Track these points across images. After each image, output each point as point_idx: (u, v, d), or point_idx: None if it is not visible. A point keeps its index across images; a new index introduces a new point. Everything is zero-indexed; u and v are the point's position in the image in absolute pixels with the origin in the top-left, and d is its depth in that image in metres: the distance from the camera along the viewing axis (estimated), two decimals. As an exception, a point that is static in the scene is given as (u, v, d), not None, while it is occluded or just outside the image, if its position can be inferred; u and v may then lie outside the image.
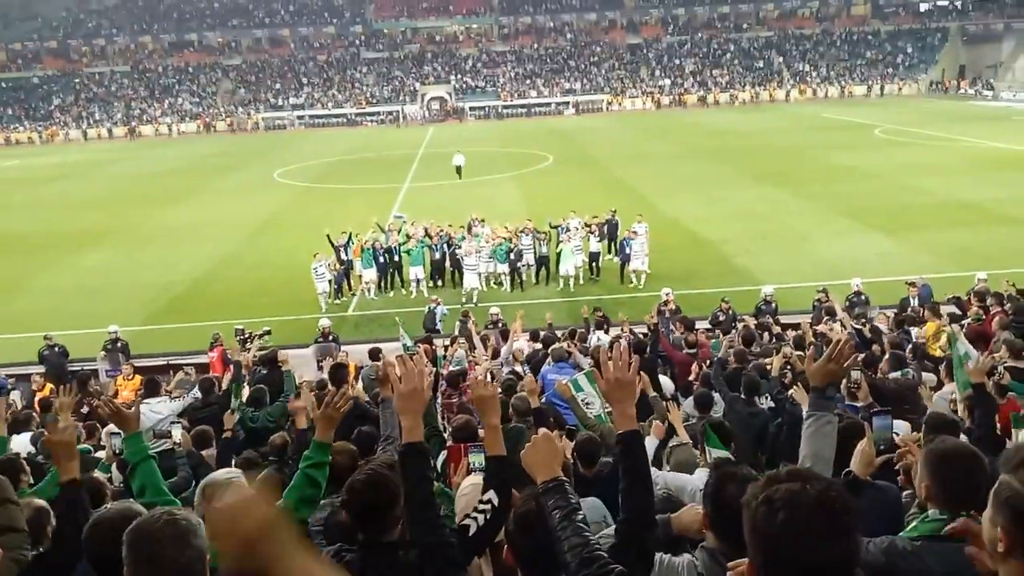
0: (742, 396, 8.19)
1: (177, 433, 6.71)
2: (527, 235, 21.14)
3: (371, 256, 20.80)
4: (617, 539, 2.91)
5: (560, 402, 8.14)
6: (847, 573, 1.89)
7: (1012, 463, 2.11)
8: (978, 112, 57.18)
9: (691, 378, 10.41)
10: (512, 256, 20.90)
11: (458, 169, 38.30)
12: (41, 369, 14.88)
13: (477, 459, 3.91)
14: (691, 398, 8.38)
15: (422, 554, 3.02)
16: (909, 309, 14.24)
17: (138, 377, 12.91)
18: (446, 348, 13.92)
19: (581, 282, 21.03)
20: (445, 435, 6.01)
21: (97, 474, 6.41)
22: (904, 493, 4.11)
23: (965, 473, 2.89)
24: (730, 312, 15.64)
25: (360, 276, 21.11)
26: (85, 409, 10.56)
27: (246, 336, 14.59)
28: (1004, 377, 6.94)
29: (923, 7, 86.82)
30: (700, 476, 4.80)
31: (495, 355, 13.00)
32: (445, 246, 21.15)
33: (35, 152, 64.22)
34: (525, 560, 2.91)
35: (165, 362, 16.24)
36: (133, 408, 4.22)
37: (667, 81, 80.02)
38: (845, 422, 4.09)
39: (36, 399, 12.62)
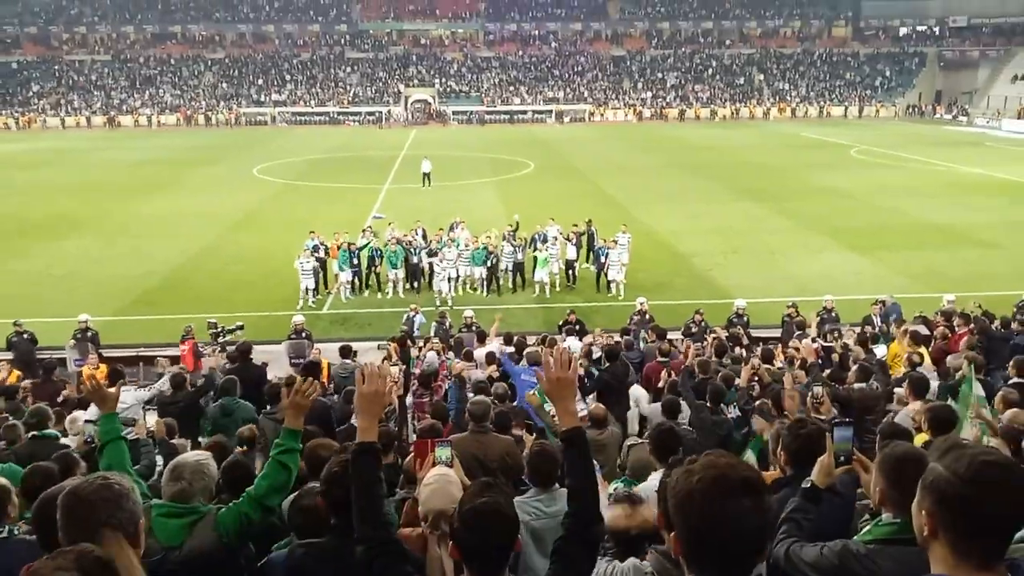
0: (707, 404, 8.31)
1: (151, 420, 6.70)
2: (507, 242, 21.21)
3: (346, 257, 20.71)
4: (565, 533, 2.98)
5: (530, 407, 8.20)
6: (760, 542, 2.05)
7: (939, 451, 2.19)
8: (953, 137, 58.13)
9: (660, 384, 10.52)
10: (490, 261, 20.94)
11: (425, 176, 37.52)
12: (8, 356, 14.71)
13: (444, 453, 3.95)
14: (658, 405, 8.48)
15: (369, 550, 3.05)
16: (875, 327, 14.47)
17: (103, 367, 12.80)
18: (419, 349, 13.94)
19: (557, 289, 21.12)
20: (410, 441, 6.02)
21: None
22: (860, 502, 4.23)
23: (918, 476, 2.97)
24: (703, 324, 15.80)
25: (336, 276, 21.06)
26: (62, 398, 10.48)
27: (219, 330, 14.50)
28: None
29: (902, 31, 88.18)
30: (653, 483, 4.85)
31: (468, 358, 13.03)
32: (423, 253, 21.07)
33: (10, 138, 63.30)
34: (471, 558, 2.70)
35: (135, 353, 16.12)
36: (114, 388, 4.25)
37: (649, 94, 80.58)
38: (808, 429, 4.19)
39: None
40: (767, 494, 2.08)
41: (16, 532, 4.01)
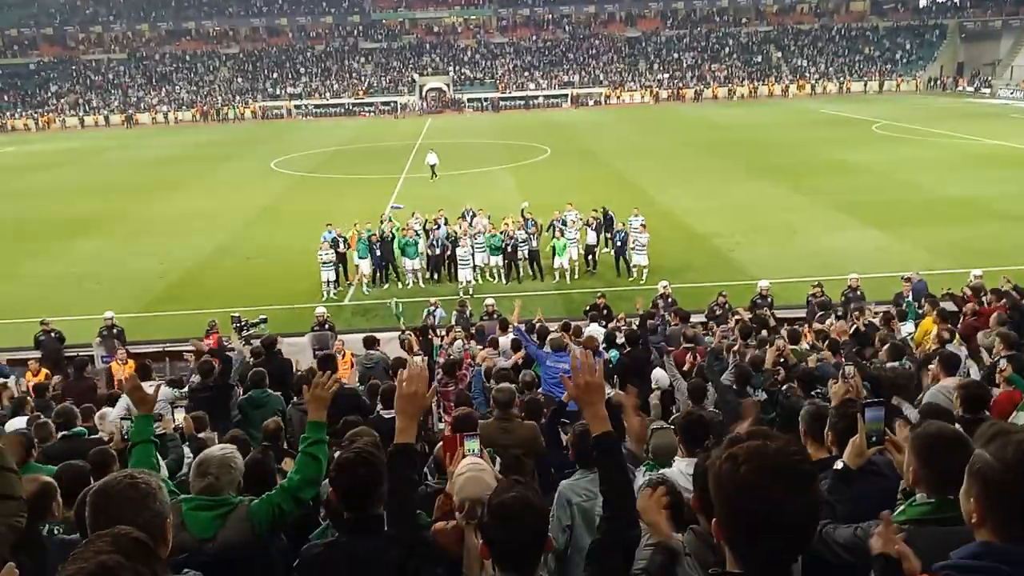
0: (733, 387, 8.26)
1: (180, 416, 6.75)
2: (522, 230, 21.14)
3: (365, 247, 20.73)
4: (602, 536, 2.92)
5: (560, 391, 8.19)
6: (808, 528, 1.96)
7: (985, 437, 2.17)
8: (976, 109, 57.24)
9: (686, 368, 10.46)
10: (508, 249, 20.90)
11: (432, 168, 36.56)
12: (37, 354, 14.89)
13: (473, 445, 3.95)
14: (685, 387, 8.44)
15: (402, 551, 3.04)
16: (904, 305, 14.30)
17: (132, 362, 12.94)
18: (442, 338, 13.97)
19: (576, 276, 21.04)
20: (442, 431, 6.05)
21: None
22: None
23: (951, 456, 2.92)
24: (726, 306, 15.69)
25: (357, 267, 21.10)
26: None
27: (242, 324, 14.57)
28: (1007, 371, 7.00)
29: (922, 3, 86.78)
30: (678, 468, 4.87)
31: (494, 345, 13.05)
32: (446, 241, 20.98)
33: (31, 139, 64.00)
34: (502, 555, 2.66)
35: (161, 348, 16.26)
36: (152, 389, 4.29)
37: (665, 75, 79.94)
38: (856, 409, 4.10)
39: (31, 384, 12.68)
40: (817, 479, 2.01)
41: (56, 532, 4.07)
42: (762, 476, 1.89)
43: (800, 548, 1.98)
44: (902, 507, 3.18)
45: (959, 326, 11.45)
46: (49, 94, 77.60)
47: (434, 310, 17.23)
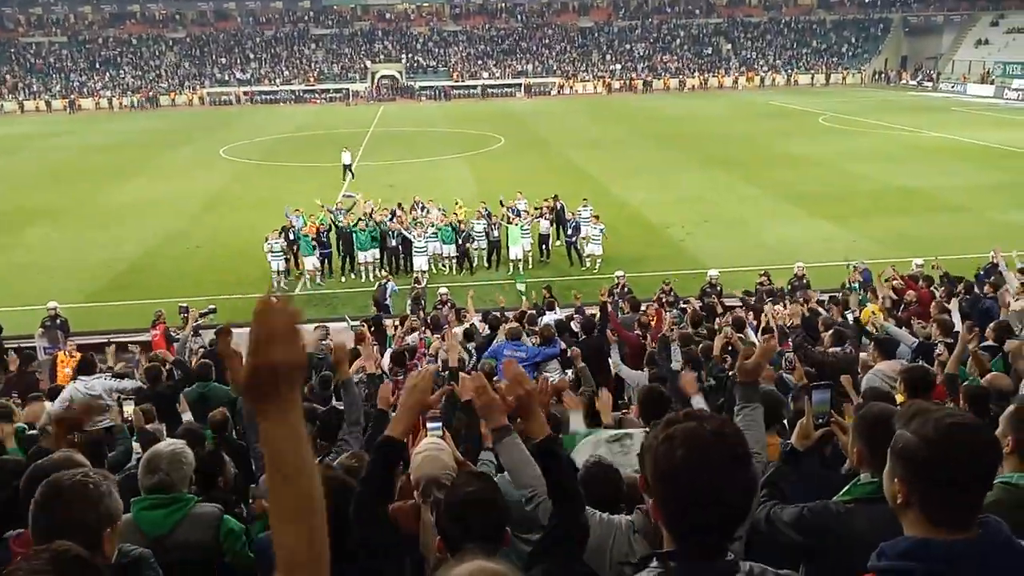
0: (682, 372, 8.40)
1: (128, 409, 6.62)
2: (479, 220, 21.13)
3: (309, 244, 20.17)
4: (552, 532, 2.82)
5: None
6: (743, 508, 2.03)
7: (905, 417, 2.20)
8: (919, 103, 58.69)
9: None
10: (460, 239, 20.84)
11: (346, 168, 33.74)
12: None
13: (436, 430, 3.96)
14: (638, 372, 8.54)
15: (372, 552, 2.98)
16: (851, 291, 14.66)
17: (79, 354, 12.62)
18: (395, 327, 13.91)
19: (531, 265, 21.11)
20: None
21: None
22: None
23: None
24: (671, 293, 15.92)
25: (301, 262, 20.57)
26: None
27: (189, 314, 14.34)
28: (943, 355, 7.21)
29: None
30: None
31: (444, 337, 13.01)
32: (402, 233, 20.64)
33: (-33, 124, 61.76)
34: (454, 550, 2.67)
35: (106, 340, 15.89)
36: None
37: (618, 66, 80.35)
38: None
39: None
40: (752, 463, 2.06)
41: None
42: (697, 457, 1.94)
43: (734, 527, 2.02)
44: (847, 487, 3.28)
45: (901, 313, 11.79)
46: (-14, 77, 74.93)
47: (386, 283, 17.25)
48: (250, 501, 5.27)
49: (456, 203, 22.78)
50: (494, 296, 16.94)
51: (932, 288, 13.32)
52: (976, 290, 12.95)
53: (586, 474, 3.89)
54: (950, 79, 70.07)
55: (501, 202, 22.05)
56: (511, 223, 20.89)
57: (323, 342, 12.12)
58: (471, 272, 21.02)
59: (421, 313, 15.42)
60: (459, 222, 21.12)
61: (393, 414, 3.32)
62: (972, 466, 2.06)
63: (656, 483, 2.02)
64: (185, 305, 14.87)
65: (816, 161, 34.21)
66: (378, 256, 20.76)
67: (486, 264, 21.42)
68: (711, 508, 1.94)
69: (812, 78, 78.12)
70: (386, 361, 10.31)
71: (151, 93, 73.03)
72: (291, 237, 20.62)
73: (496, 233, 21.15)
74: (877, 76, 78.64)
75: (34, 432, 6.75)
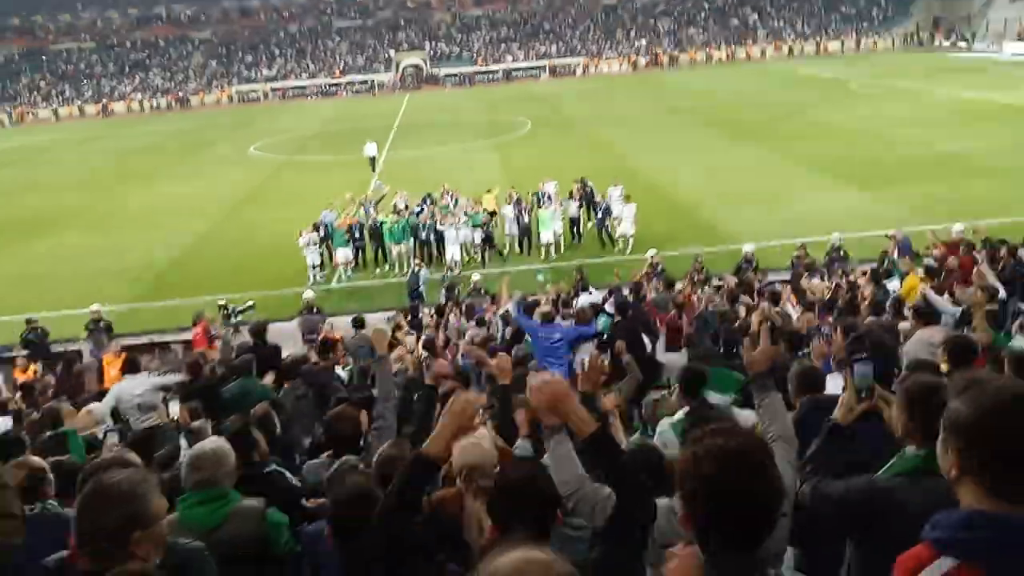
0: (721, 350, 8.36)
1: (175, 408, 6.74)
2: (510, 205, 21.07)
3: (343, 237, 20.30)
4: (615, 523, 2.93)
5: (552, 361, 8.24)
6: (770, 519, 2.10)
7: (957, 389, 2.16)
8: (953, 64, 57.25)
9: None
10: (486, 228, 20.75)
11: (371, 160, 33.52)
12: (23, 352, 14.79)
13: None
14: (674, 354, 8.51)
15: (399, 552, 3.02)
16: (886, 262, 14.41)
17: (125, 355, 12.88)
18: (431, 317, 14.00)
19: (562, 250, 21.01)
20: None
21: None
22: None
23: (938, 407, 2.97)
24: (704, 271, 15.79)
25: (333, 256, 20.67)
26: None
27: (229, 311, 14.56)
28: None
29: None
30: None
31: (480, 323, 13.06)
32: (433, 229, 20.52)
33: (5, 134, 63.05)
34: (510, 533, 2.71)
35: (149, 340, 16.22)
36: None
37: (643, 41, 79.49)
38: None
39: (18, 382, 12.61)
40: (777, 472, 2.13)
41: (49, 508, 4.13)
42: (723, 476, 2.03)
43: (762, 535, 2.09)
44: (893, 461, 3.24)
45: (943, 281, 11.56)
46: (20, 86, 76.34)
47: (419, 271, 17.35)
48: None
49: (488, 190, 22.78)
50: (526, 282, 16.88)
51: (974, 253, 13.02)
52: (1021, 253, 12.64)
53: (629, 458, 3.90)
54: (985, 38, 68.21)
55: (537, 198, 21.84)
56: (540, 209, 20.81)
57: (361, 331, 12.24)
58: (503, 258, 20.95)
59: (454, 303, 15.47)
60: (485, 211, 21.06)
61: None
62: None
63: (685, 496, 2.12)
64: (224, 302, 15.10)
65: (848, 129, 33.58)
66: (412, 246, 20.78)
67: (518, 250, 21.36)
68: (738, 522, 2.04)
69: (842, 45, 76.48)
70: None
71: (180, 95, 73.86)
72: (323, 232, 20.76)
73: (527, 218, 21.08)
74: (909, 39, 76.82)
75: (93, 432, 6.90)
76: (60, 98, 74.91)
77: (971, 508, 2.05)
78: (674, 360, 10.01)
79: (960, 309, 9.00)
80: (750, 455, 2.06)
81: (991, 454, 2.01)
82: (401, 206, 21.77)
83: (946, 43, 73.01)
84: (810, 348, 7.48)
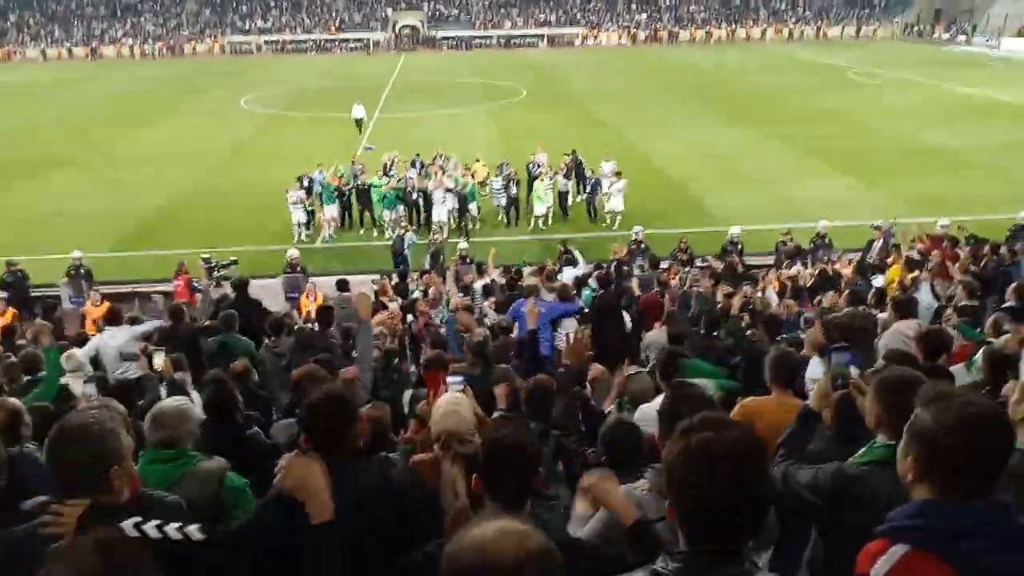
0: (702, 332, 8.41)
1: (158, 360, 6.71)
2: (499, 177, 20.90)
3: (331, 193, 20.20)
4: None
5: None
6: (761, 515, 2.06)
7: (926, 398, 2.22)
8: (952, 57, 57.21)
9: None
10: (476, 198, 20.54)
11: (358, 122, 32.72)
12: (1, 294, 14.67)
13: (456, 384, 4.04)
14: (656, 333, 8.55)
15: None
16: (871, 255, 14.51)
17: (107, 304, 12.80)
18: (413, 280, 13.99)
19: (551, 222, 20.96)
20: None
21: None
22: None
23: (912, 401, 3.01)
24: (688, 252, 15.85)
25: (321, 210, 20.45)
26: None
27: (212, 265, 14.46)
28: (952, 319, 7.15)
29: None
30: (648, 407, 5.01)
31: (465, 290, 13.07)
32: (421, 195, 20.36)
33: (-10, 71, 61.86)
34: (492, 489, 2.77)
35: (130, 289, 16.12)
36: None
37: (643, 15, 78.80)
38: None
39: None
40: (764, 460, 2.10)
41: (27, 449, 4.17)
42: (713, 469, 1.96)
43: (752, 530, 2.05)
44: (863, 449, 3.28)
45: (924, 273, 11.64)
46: (8, 24, 74.74)
47: (404, 234, 17.27)
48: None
49: (477, 159, 22.69)
50: (514, 253, 16.89)
51: (957, 249, 13.14)
52: (1003, 251, 12.76)
53: (609, 433, 3.94)
54: (984, 32, 68.13)
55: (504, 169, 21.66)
56: (534, 179, 20.72)
57: (344, 294, 12.22)
58: (491, 227, 20.83)
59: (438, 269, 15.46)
60: (474, 179, 20.93)
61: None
62: (990, 456, 2.09)
63: (672, 490, 2.06)
64: (207, 256, 15.00)
65: (843, 117, 33.57)
66: (403, 213, 20.54)
67: (505, 221, 21.28)
68: (726, 516, 1.98)
69: (842, 31, 76.21)
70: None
71: (172, 42, 72.61)
72: (310, 187, 20.57)
73: (515, 190, 20.96)
74: (909, 29, 76.59)
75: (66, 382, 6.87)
76: (49, 39, 73.44)
77: (922, 499, 2.14)
78: (654, 338, 10.07)
79: (937, 304, 9.09)
80: (741, 450, 2.00)
81: (950, 468, 2.09)
82: (391, 168, 21.59)
83: (946, 35, 72.87)
84: (804, 335, 7.53)
